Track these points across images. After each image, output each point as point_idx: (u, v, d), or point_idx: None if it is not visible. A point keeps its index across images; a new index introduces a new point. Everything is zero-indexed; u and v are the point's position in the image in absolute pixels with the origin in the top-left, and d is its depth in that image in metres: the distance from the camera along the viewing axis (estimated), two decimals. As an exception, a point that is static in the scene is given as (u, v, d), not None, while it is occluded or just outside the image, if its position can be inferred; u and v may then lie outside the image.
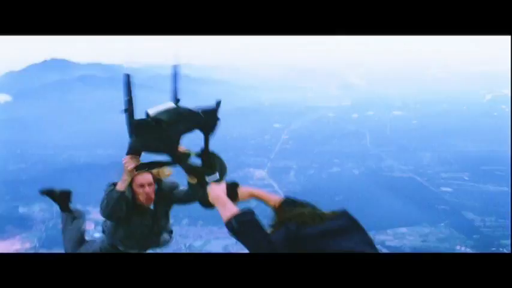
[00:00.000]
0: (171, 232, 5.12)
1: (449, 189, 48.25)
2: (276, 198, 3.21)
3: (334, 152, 61.97)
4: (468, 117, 78.76)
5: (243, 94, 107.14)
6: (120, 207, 4.30)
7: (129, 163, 3.83)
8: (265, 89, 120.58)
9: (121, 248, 4.83)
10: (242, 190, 3.35)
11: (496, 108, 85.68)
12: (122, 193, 4.25)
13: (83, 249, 5.27)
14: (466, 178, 50.89)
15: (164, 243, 5.07)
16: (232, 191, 3.28)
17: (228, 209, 2.83)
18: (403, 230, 39.24)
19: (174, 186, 4.68)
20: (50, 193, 5.47)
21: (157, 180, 4.60)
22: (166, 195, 4.64)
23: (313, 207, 2.93)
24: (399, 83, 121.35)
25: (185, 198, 4.60)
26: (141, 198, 4.50)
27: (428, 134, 69.05)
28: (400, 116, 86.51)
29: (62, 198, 5.50)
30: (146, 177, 4.46)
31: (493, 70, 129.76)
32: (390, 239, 38.12)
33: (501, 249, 35.37)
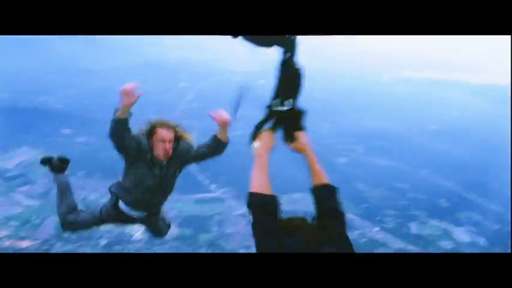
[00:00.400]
0: (169, 225, 5.39)
1: (343, 160, 50.35)
2: (322, 178, 3.05)
3: (239, 115, 61.52)
4: (369, 92, 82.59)
5: (147, 50, 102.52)
6: (121, 134, 4.27)
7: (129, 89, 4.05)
8: (171, 47, 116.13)
9: (123, 206, 4.76)
10: (301, 139, 3.14)
11: (396, 89, 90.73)
12: (120, 120, 4.22)
13: (79, 214, 5.15)
14: (360, 151, 53.43)
15: (161, 230, 5.28)
16: (291, 131, 3.11)
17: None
18: (297, 195, 40.15)
19: (190, 147, 4.86)
20: (48, 161, 5.41)
21: (177, 139, 4.72)
22: (181, 155, 4.76)
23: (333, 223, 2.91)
24: (305, 54, 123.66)
25: (205, 152, 4.94)
26: (159, 152, 4.56)
27: (330, 106, 71.32)
28: (305, 86, 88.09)
29: (60, 165, 5.42)
30: (169, 133, 4.58)
31: (394, 48, 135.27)
32: (284, 204, 38.68)
33: (385, 218, 37.78)
